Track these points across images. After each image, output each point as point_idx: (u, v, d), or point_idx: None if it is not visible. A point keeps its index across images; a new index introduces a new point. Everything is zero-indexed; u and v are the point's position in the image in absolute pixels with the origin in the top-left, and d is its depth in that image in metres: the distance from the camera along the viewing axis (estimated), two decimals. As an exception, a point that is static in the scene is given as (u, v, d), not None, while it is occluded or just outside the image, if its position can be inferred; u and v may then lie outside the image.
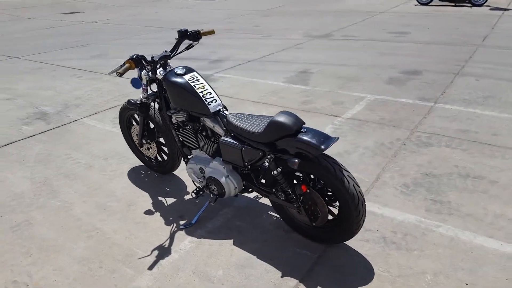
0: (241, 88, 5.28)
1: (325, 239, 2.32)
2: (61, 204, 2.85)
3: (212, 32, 2.84)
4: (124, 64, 2.31)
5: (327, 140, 2.02)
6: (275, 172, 2.17)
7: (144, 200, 2.88)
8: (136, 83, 2.45)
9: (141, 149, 3.17)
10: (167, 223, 2.61)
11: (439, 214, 2.58)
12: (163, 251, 2.34)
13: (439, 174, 3.06)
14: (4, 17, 14.32)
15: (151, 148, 3.08)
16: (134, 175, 3.22)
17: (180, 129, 2.62)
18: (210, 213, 2.70)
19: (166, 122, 2.77)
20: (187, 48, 2.72)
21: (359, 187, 2.09)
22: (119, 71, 2.23)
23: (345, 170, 2.07)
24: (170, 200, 2.86)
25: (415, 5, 12.86)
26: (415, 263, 2.19)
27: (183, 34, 2.64)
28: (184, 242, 2.42)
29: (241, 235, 2.46)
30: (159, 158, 3.33)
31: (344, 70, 5.97)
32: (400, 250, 2.29)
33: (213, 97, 2.42)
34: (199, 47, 8.02)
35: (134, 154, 3.45)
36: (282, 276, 2.13)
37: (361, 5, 13.46)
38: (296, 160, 2.04)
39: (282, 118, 2.08)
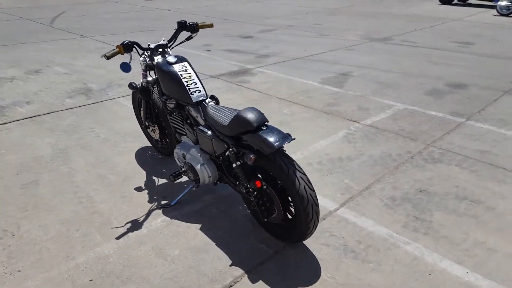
0: (274, 84, 5.34)
1: (281, 236, 2.34)
2: (68, 170, 3.19)
3: (210, 26, 2.95)
4: (115, 48, 2.52)
5: (282, 139, 2.04)
6: (234, 165, 2.24)
7: (140, 177, 3.10)
8: (125, 67, 2.64)
9: (148, 130, 3.41)
10: (150, 201, 2.81)
11: (414, 232, 2.46)
12: (135, 225, 2.54)
13: (434, 192, 2.88)
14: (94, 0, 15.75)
15: (155, 130, 3.30)
16: (140, 154, 3.48)
17: (172, 115, 2.78)
18: (192, 197, 2.84)
19: (163, 107, 2.96)
20: (187, 39, 2.86)
21: (312, 190, 2.08)
22: (106, 54, 2.44)
23: (300, 171, 2.08)
24: (162, 181, 3.05)
25: (494, 15, 11.77)
26: (365, 275, 2.13)
27: (182, 25, 2.79)
28: (157, 220, 2.59)
29: (210, 222, 2.58)
30: (162, 140, 3.55)
31: (387, 75, 5.73)
32: (356, 260, 2.24)
33: (198, 87, 2.54)
34: (253, 41, 8.18)
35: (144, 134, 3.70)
36: (230, 265, 2.21)
37: (437, 11, 12.64)
38: (252, 156, 2.10)
39: (245, 114, 2.13)
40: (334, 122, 4.12)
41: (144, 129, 3.53)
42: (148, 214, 2.65)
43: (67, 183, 3.01)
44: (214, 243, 2.38)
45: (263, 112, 2.54)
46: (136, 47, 2.65)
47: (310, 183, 2.09)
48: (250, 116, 2.12)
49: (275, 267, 2.20)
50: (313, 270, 2.17)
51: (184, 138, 2.81)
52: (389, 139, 3.73)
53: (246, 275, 2.14)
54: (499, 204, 2.72)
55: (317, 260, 2.24)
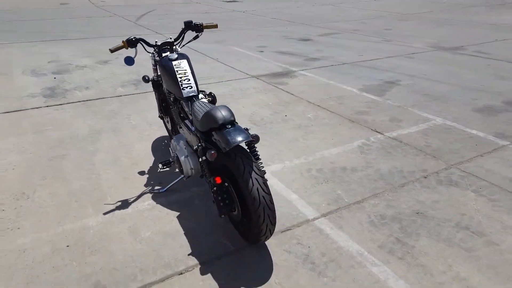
0: (310, 88, 5.29)
1: (243, 235, 2.37)
2: (92, 150, 3.55)
3: (215, 26, 3.06)
4: (121, 43, 2.76)
5: (241, 138, 2.09)
6: (200, 159, 2.34)
7: (147, 162, 3.35)
8: (128, 60, 2.86)
9: (163, 120, 3.64)
10: (147, 185, 3.02)
11: (388, 254, 2.32)
12: (124, 204, 2.77)
13: (433, 216, 2.66)
14: (181, 0, 16.87)
15: (168, 121, 3.52)
16: (157, 142, 3.73)
17: (172, 108, 2.96)
18: (183, 187, 3.00)
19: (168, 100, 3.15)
20: (194, 38, 3.02)
21: (267, 193, 2.09)
22: (111, 48, 2.69)
23: (256, 172, 2.10)
24: (164, 169, 3.25)
25: None
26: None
27: (187, 25, 2.94)
28: (144, 203, 2.79)
29: (189, 212, 2.70)
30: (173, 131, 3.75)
31: (438, 87, 5.32)
32: (312, 271, 2.19)
33: (190, 83, 2.68)
34: (309, 44, 8.13)
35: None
36: (189, 254, 2.32)
37: (534, 20, 11.24)
38: (212, 152, 2.17)
39: (213, 111, 2.21)
40: (355, 130, 3.98)
41: (161, 119, 3.78)
42: (139, 197, 2.87)
43: (87, 161, 3.36)
44: (184, 232, 2.50)
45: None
46: (142, 43, 2.87)
47: (266, 186, 2.10)
48: (217, 114, 2.19)
49: (229, 264, 2.25)
50: (264, 274, 2.18)
51: (181, 130, 2.98)
52: (408, 154, 3.50)
53: (199, 266, 2.23)
54: (505, 241, 2.42)
55: (273, 265, 2.24)
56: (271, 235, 2.21)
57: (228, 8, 14.17)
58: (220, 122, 2.17)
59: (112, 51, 2.72)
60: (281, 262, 2.27)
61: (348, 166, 3.30)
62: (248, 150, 2.28)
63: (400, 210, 2.73)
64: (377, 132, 3.96)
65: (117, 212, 2.69)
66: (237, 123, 2.27)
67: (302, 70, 6.19)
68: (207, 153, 2.19)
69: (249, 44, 8.09)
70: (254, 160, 2.16)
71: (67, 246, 2.36)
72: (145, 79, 3.22)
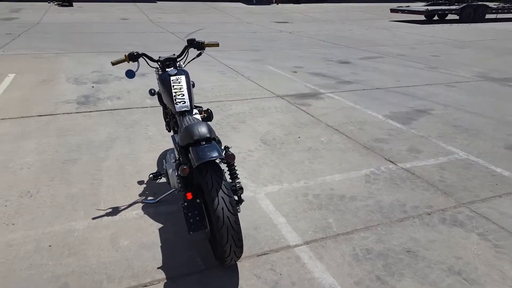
0: (332, 111, 5.18)
1: (214, 254, 2.34)
2: (103, 156, 3.72)
3: (216, 45, 3.11)
4: (123, 57, 2.88)
5: (210, 155, 2.08)
6: (175, 173, 2.35)
7: (149, 172, 3.44)
8: (130, 74, 2.96)
9: (170, 132, 3.73)
10: (142, 194, 3.10)
11: (361, 292, 2.17)
12: (114, 212, 2.85)
13: (424, 257, 2.45)
14: (232, 19, 17.42)
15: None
16: (164, 154, 3.83)
17: (169, 122, 3.04)
18: (174, 200, 3.03)
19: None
20: (197, 55, 3.09)
21: (233, 214, 2.05)
22: (112, 61, 2.83)
23: (224, 192, 2.07)
24: (162, 180, 3.31)
25: None
26: (270, 317, 1.99)
27: (190, 42, 3.02)
28: (133, 212, 2.86)
29: (171, 225, 2.72)
30: None
31: (473, 119, 4.97)
32: (275, 300, 2.10)
33: (183, 99, 2.73)
34: (347, 66, 8.00)
35: None
36: (158, 268, 2.32)
37: None
38: (185, 167, 2.18)
39: (190, 127, 2.24)
40: (367, 158, 3.81)
41: (168, 131, 3.88)
42: (130, 205, 2.94)
43: (95, 166, 3.53)
44: (160, 245, 2.52)
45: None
46: (145, 58, 2.98)
47: (233, 206, 2.07)
48: (193, 130, 2.21)
49: (194, 283, 2.22)
50: (226, 295, 2.13)
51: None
52: (417, 188, 3.28)
53: (164, 281, 2.22)
54: (492, 290, 2.18)
55: (238, 288, 2.18)
56: (237, 257, 2.16)
57: (276, 29, 14.39)
58: (195, 138, 2.19)
59: (113, 63, 2.86)
60: (248, 286, 2.20)
61: (347, 195, 3.16)
62: (223, 169, 2.27)
63: (390, 246, 2.55)
64: (390, 161, 3.77)
65: (105, 218, 2.78)
66: (215, 140, 2.28)
67: (331, 92, 6.09)
68: (179, 168, 2.20)
69: (286, 64, 8.13)
70: (225, 178, 2.14)
71: (49, 246, 2.47)
72: (151, 92, 3.33)
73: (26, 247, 2.45)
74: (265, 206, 2.97)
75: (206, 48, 9.88)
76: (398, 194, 3.19)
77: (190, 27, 14.12)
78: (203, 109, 2.96)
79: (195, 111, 2.81)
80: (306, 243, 2.58)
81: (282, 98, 5.71)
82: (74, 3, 19.32)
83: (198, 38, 11.42)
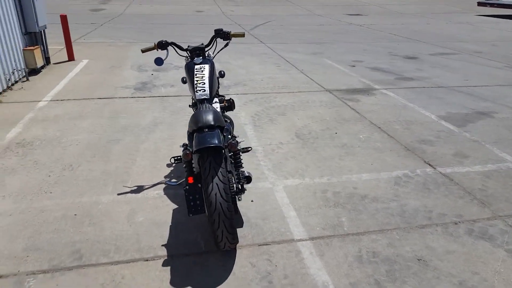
0: (381, 108, 4.92)
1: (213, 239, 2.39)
2: (143, 139, 3.97)
3: (242, 35, 3.11)
4: (152, 45, 3.03)
5: (209, 143, 2.13)
6: (182, 159, 2.43)
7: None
8: (158, 61, 3.09)
9: None
10: (168, 176, 3.26)
11: (352, 294, 2.07)
12: (138, 190, 3.05)
13: (435, 267, 2.27)
14: (303, 11, 17.24)
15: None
16: (200, 141, 3.97)
17: (193, 109, 3.14)
18: (197, 185, 3.15)
19: None
20: (225, 46, 3.14)
21: (226, 200, 2.08)
22: (142, 48, 2.99)
23: (220, 178, 2.11)
24: (176, 163, 3.43)
25: None
26: (252, 306, 2.00)
27: (217, 32, 3.07)
28: (155, 192, 3.03)
29: (185, 207, 2.82)
30: None
31: (544, 127, 4.40)
32: (262, 290, 2.11)
33: (203, 87, 2.80)
34: (413, 62, 7.51)
35: None
36: (162, 245, 2.45)
37: None
38: (187, 152, 2.26)
39: (196, 114, 2.31)
40: (404, 160, 3.58)
41: None
42: (154, 185, 3.12)
43: (134, 147, 3.79)
44: (170, 224, 2.65)
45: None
46: (174, 46, 3.10)
47: (227, 193, 2.11)
48: (198, 117, 2.28)
49: (192, 263, 2.31)
50: (217, 280, 2.18)
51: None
52: (451, 195, 3.02)
53: (165, 258, 2.34)
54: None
55: (230, 274, 2.22)
56: (230, 243, 2.20)
57: (347, 22, 13.93)
58: (199, 125, 2.25)
59: (143, 51, 3.04)
60: (240, 273, 2.23)
61: (370, 195, 3.02)
62: (227, 156, 2.31)
63: (400, 252, 2.40)
64: (429, 165, 3.51)
65: (128, 195, 2.99)
66: (221, 128, 2.33)
67: (386, 88, 5.78)
68: (182, 153, 2.29)
69: (346, 58, 7.87)
70: (224, 166, 2.18)
71: (75, 215, 2.73)
72: (183, 81, 3.47)
73: (56, 214, 2.74)
74: (280, 198, 2.96)
75: (268, 41, 9.98)
76: (427, 199, 2.97)
77: (259, 19, 14.25)
78: (225, 98, 3.02)
79: (215, 99, 2.88)
80: (311, 239, 2.53)
81: (330, 92, 5.56)
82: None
83: (263, 30, 11.51)
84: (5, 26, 5.48)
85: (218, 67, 6.89)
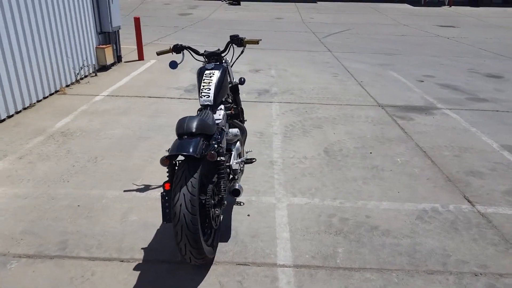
0: (435, 130, 4.39)
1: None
2: (172, 138, 4.03)
3: (256, 42, 2.96)
4: (168, 48, 3.03)
5: (182, 150, 2.04)
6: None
7: (198, 161, 3.58)
8: (172, 64, 3.07)
9: None
10: (178, 179, 3.26)
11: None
12: (143, 189, 3.08)
13: (426, 325, 1.89)
14: (388, 21, 16.37)
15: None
16: (225, 147, 3.91)
17: None
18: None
19: None
20: (241, 53, 3.04)
21: (191, 213, 1.98)
22: (157, 51, 3.00)
23: (188, 189, 2.01)
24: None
25: None
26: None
27: (231, 38, 2.98)
28: (158, 193, 3.02)
29: (183, 213, 2.79)
30: None
31: None
32: (219, 314, 1.95)
33: (208, 93, 2.73)
34: (495, 82, 6.62)
35: None
36: (142, 248, 2.42)
37: None
38: (165, 158, 2.19)
39: (180, 120, 2.23)
40: (438, 192, 3.12)
41: None
42: (160, 187, 3.13)
43: (158, 146, 3.86)
44: (158, 228, 2.62)
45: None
46: (190, 51, 3.07)
47: (193, 205, 2.00)
48: (180, 123, 2.21)
49: (163, 271, 2.25)
50: (179, 292, 2.09)
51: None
52: (481, 240, 2.53)
53: (139, 262, 2.31)
54: None
55: (194, 289, 2.11)
56: (195, 258, 2.08)
57: (433, 33, 12.87)
58: (179, 131, 2.18)
59: (158, 53, 3.07)
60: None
61: (382, 227, 2.67)
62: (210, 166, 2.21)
63: (391, 300, 2.06)
64: (468, 201, 3.01)
65: (132, 193, 3.04)
66: (206, 135, 2.24)
67: (450, 109, 5.16)
68: (160, 158, 2.24)
69: (415, 71, 7.23)
70: (196, 176, 2.08)
71: (78, 205, 2.85)
72: None
73: (63, 202, 2.88)
74: (279, 216, 2.76)
75: (336, 50, 9.62)
76: (449, 241, 2.53)
77: (337, 27, 13.86)
78: (233, 106, 2.92)
79: (221, 106, 2.79)
80: (296, 266, 2.30)
81: (383, 108, 5.13)
82: (242, 2, 21.21)
83: (336, 39, 11.15)
84: (82, 26, 6.05)
85: (273, 74, 6.82)
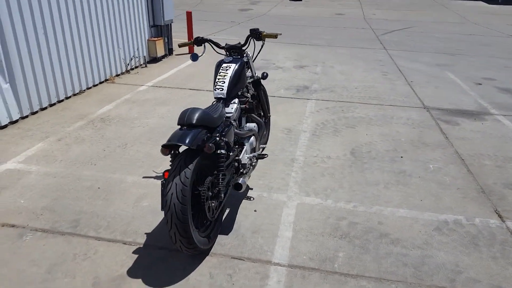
0: (481, 137, 4.01)
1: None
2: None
3: (274, 36, 2.89)
4: (190, 40, 3.07)
5: (179, 141, 2.07)
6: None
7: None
8: (193, 57, 3.09)
9: None
10: (196, 170, 3.32)
11: None
12: (161, 177, 3.18)
13: None
14: (456, 19, 15.23)
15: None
16: (250, 141, 3.90)
17: None
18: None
19: None
20: (261, 47, 3.00)
21: (180, 202, 2.00)
22: (179, 43, 3.05)
23: (181, 180, 2.03)
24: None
25: None
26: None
27: (251, 32, 2.94)
28: (175, 182, 3.11)
29: (192, 203, 2.83)
30: None
31: None
32: (200, 304, 1.96)
33: (222, 86, 2.73)
34: None
35: None
36: (146, 233, 2.50)
37: None
38: (165, 148, 2.23)
39: (183, 111, 2.26)
40: (467, 204, 2.85)
41: None
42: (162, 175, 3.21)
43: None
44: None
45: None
46: (211, 44, 3.09)
47: (184, 195, 2.02)
48: (182, 114, 2.24)
49: (159, 258, 2.31)
50: (168, 281, 2.13)
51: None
52: (502, 259, 2.27)
53: (140, 246, 2.39)
54: None
55: (183, 279, 2.14)
56: (186, 248, 2.11)
57: (506, 33, 11.74)
58: (180, 122, 2.22)
59: (180, 45, 3.12)
60: (194, 281, 2.13)
61: (393, 235, 2.50)
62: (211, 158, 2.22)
63: (382, 313, 1.93)
64: (498, 215, 2.71)
65: (149, 180, 3.15)
66: (208, 128, 2.25)
67: (504, 115, 4.68)
68: (160, 147, 2.28)
69: (475, 73, 6.66)
70: (191, 167, 2.10)
71: (98, 188, 3.02)
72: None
73: (86, 183, 3.07)
74: (286, 215, 2.70)
75: (392, 48, 9.14)
76: (464, 256, 2.31)
77: (399, 24, 13.18)
78: (248, 101, 2.89)
79: (235, 100, 2.79)
80: (290, 266, 2.24)
81: (428, 111, 4.79)
82: (303, -2, 20.96)
83: (395, 36, 10.61)
84: (135, 19, 6.37)
85: (318, 71, 6.67)
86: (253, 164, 2.88)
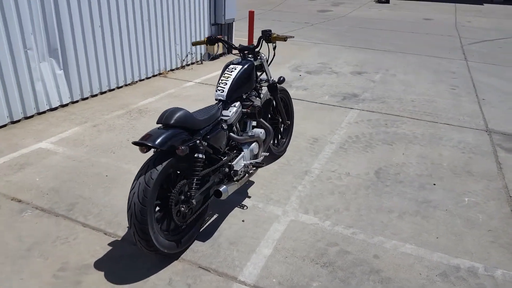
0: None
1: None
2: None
3: (283, 39, 2.72)
4: (203, 39, 3.00)
5: (149, 140, 2.01)
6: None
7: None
8: (206, 56, 2.99)
9: None
10: (205, 170, 3.26)
11: None
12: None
13: None
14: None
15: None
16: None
17: None
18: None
19: None
20: (273, 49, 2.84)
21: (140, 203, 1.96)
22: (192, 41, 2.99)
23: (145, 181, 1.98)
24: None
25: None
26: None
27: (262, 33, 2.79)
28: (179, 179, 3.09)
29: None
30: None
31: None
32: (145, 311, 1.89)
33: (223, 88, 2.62)
34: None
35: None
36: (127, 227, 2.50)
37: None
38: (144, 147, 2.19)
39: (164, 110, 2.20)
40: (492, 250, 2.37)
41: None
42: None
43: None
44: (154, 212, 2.67)
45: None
46: (224, 43, 2.99)
47: (145, 195, 1.97)
48: (163, 112, 2.19)
49: (131, 252, 2.29)
50: (130, 278, 2.10)
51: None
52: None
53: (117, 239, 2.41)
54: None
55: (143, 280, 2.09)
56: (145, 248, 2.06)
57: None
58: (158, 120, 2.17)
59: (193, 44, 3.06)
60: (151, 284, 2.07)
61: (385, 273, 2.18)
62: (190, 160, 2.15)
63: None
64: (530, 271, 2.21)
65: (157, 174, 3.16)
66: (188, 129, 2.18)
67: None
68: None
69: (508, 88, 5.63)
70: (159, 168, 2.03)
71: (106, 176, 3.12)
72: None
73: (96, 170, 3.19)
74: (273, 231, 2.51)
75: (474, 59, 8.16)
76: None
77: (496, 34, 11.74)
78: (251, 105, 2.74)
79: (236, 103, 2.66)
80: (255, 287, 2.06)
81: (488, 134, 4.15)
82: (392, 0, 19.84)
83: (484, 47, 9.48)
84: (196, 16, 6.54)
85: (376, 79, 6.22)
86: (250, 171, 2.73)
